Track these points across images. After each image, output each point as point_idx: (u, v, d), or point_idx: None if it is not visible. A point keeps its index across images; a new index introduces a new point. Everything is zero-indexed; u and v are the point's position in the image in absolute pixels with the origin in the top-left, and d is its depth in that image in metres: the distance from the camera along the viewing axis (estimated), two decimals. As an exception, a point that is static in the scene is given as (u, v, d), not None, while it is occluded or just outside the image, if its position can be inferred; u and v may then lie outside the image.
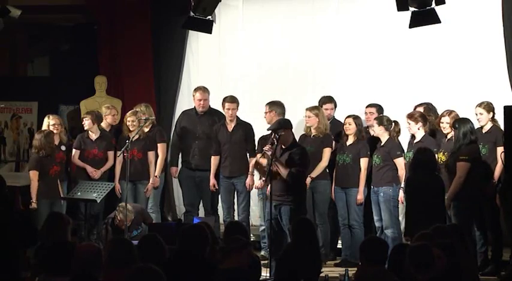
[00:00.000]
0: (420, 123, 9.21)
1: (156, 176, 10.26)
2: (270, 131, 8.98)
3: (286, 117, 9.60)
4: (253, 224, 10.61)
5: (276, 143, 8.71)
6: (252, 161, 9.87)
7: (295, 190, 8.71)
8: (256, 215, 10.54)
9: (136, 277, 4.68)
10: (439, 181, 8.46)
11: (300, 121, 10.12)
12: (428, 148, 8.79)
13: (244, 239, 6.11)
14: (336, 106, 10.20)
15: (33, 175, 9.65)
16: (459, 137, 8.69)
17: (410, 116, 9.28)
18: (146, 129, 10.32)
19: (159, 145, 10.35)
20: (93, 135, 10.19)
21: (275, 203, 8.70)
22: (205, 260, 5.90)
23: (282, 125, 8.77)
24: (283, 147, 8.75)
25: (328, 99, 10.13)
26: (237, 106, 10.10)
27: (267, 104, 9.95)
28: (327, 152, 9.59)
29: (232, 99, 10.11)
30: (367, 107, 9.98)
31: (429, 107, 9.58)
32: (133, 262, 5.49)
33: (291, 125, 8.98)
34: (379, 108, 9.93)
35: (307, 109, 9.75)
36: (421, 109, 9.53)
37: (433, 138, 9.31)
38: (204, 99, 10.34)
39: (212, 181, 10.11)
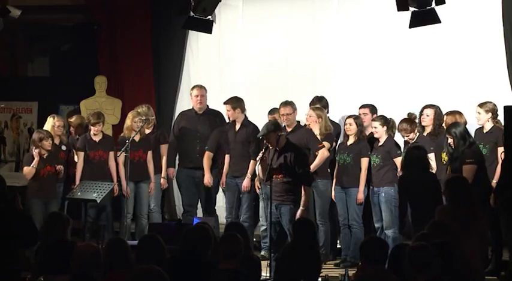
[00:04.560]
0: (415, 130, 9.28)
1: (163, 177, 10.29)
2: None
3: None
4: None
5: (269, 147, 8.72)
6: (251, 164, 9.90)
7: (296, 190, 8.71)
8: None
9: (139, 277, 4.68)
10: (432, 178, 8.45)
11: (301, 121, 10.10)
12: (420, 145, 8.81)
13: (241, 238, 6.11)
14: (325, 107, 10.08)
15: (25, 169, 9.71)
16: (459, 142, 8.68)
17: (404, 130, 9.28)
18: (148, 130, 10.32)
19: (163, 146, 10.36)
20: (97, 137, 10.15)
21: (275, 204, 8.70)
22: (206, 261, 5.90)
23: (271, 130, 8.74)
24: (278, 149, 8.74)
25: (316, 99, 10.10)
26: (233, 107, 10.04)
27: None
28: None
29: (226, 101, 10.12)
30: (360, 108, 10.00)
31: (438, 111, 9.59)
32: (130, 262, 5.50)
33: (281, 127, 8.96)
34: (372, 108, 9.95)
35: (310, 107, 9.78)
36: (431, 111, 9.54)
37: (428, 139, 9.33)
38: (201, 95, 10.33)
39: (223, 178, 10.11)
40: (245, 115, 10.16)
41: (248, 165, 9.96)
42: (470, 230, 6.92)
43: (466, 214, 6.99)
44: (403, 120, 9.40)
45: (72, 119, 10.74)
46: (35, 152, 9.59)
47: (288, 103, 9.71)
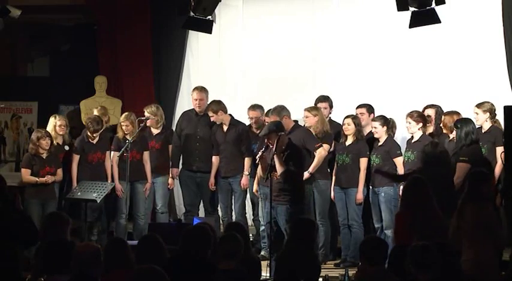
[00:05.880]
0: (421, 124, 9.26)
1: (170, 177, 10.31)
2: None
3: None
4: (252, 224, 10.60)
5: (270, 146, 8.73)
6: (247, 161, 9.90)
7: (291, 190, 8.72)
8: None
9: (140, 277, 4.68)
10: (449, 177, 8.44)
11: (300, 120, 10.11)
12: (440, 143, 8.80)
13: (241, 238, 6.11)
14: (331, 106, 10.14)
15: (24, 172, 9.72)
16: (461, 137, 8.68)
17: (411, 116, 9.29)
18: (157, 131, 10.33)
19: (171, 146, 10.39)
20: (94, 139, 10.14)
21: (272, 204, 8.70)
22: (206, 261, 5.90)
23: (273, 130, 8.75)
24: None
25: (323, 99, 10.12)
26: (215, 111, 10.03)
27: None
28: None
29: (206, 108, 10.18)
30: (357, 107, 9.99)
31: (440, 111, 9.60)
32: (130, 262, 5.50)
33: (283, 127, 8.98)
34: (369, 108, 9.95)
35: (304, 109, 9.77)
36: (432, 111, 9.55)
37: (431, 138, 9.33)
38: (201, 99, 10.33)
39: (211, 180, 10.13)
40: (230, 115, 10.17)
41: (239, 164, 9.97)
42: (478, 225, 6.95)
43: (471, 207, 7.02)
44: (416, 111, 9.39)
45: (97, 109, 10.71)
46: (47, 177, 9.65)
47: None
